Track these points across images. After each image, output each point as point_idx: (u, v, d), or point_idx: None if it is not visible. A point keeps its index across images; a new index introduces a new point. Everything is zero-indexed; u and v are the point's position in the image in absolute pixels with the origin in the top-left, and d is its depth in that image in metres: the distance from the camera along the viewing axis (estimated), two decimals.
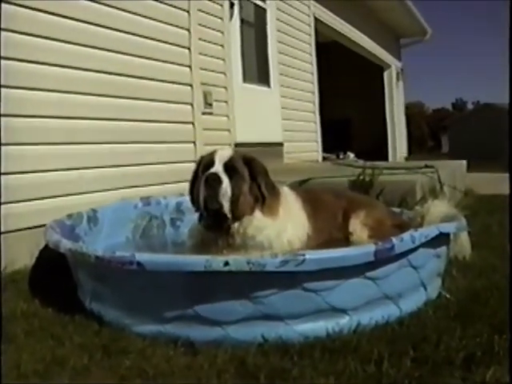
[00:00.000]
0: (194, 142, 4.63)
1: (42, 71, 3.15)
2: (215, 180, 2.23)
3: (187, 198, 2.55)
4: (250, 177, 2.36)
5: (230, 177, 2.28)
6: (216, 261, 1.76)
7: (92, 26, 3.54)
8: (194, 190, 2.41)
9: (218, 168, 2.30)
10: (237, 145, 5.37)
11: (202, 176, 2.30)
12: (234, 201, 2.27)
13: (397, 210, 3.16)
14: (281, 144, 6.66)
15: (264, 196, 2.35)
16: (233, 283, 1.80)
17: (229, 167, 2.31)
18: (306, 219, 2.53)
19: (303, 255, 1.78)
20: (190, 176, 2.51)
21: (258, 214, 2.34)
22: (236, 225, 2.33)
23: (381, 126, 12.36)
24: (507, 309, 1.91)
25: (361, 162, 6.52)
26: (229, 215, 2.28)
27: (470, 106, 56.62)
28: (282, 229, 2.39)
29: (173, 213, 3.29)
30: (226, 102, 5.34)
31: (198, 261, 1.78)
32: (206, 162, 2.39)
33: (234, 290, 1.80)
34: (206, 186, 2.24)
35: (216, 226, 2.34)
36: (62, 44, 3.30)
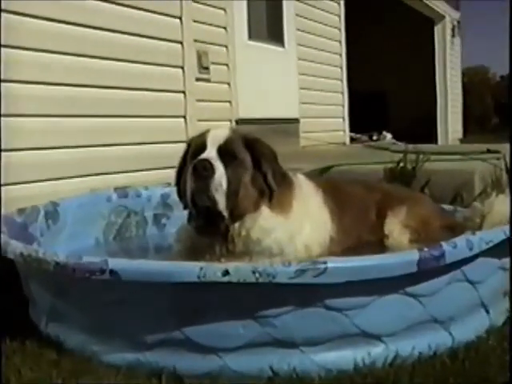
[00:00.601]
0: (185, 117, 4.64)
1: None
2: (206, 168, 2.22)
3: (176, 190, 2.56)
4: (253, 163, 2.36)
5: (226, 164, 2.27)
6: (212, 269, 1.76)
7: None
8: (181, 181, 2.41)
9: (210, 153, 2.29)
10: (240, 121, 5.37)
11: (191, 163, 2.30)
12: (232, 195, 2.27)
13: (448, 207, 3.15)
14: (296, 121, 6.65)
15: (271, 188, 2.35)
16: (234, 298, 1.80)
17: (224, 151, 2.30)
18: (328, 217, 2.53)
19: (324, 263, 1.78)
20: (177, 162, 2.51)
21: (264, 211, 2.34)
22: (236, 226, 2.33)
23: (428, 98, 12.30)
24: None
25: (401, 145, 6.50)
26: (225, 214, 2.27)
27: None
28: (296, 230, 2.39)
29: (157, 207, 3.30)
30: (226, 65, 5.33)
31: (190, 269, 1.79)
32: (195, 146, 2.39)
33: (235, 308, 1.81)
34: (195, 177, 2.23)
35: (210, 227, 2.34)
36: None
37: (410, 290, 1.90)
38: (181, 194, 2.44)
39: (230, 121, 5.30)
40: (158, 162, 4.15)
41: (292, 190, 2.45)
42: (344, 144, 7.75)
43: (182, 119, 4.63)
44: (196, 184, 2.24)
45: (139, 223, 3.25)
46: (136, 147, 4.13)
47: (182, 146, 2.54)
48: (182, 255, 2.50)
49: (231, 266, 1.79)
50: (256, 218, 2.33)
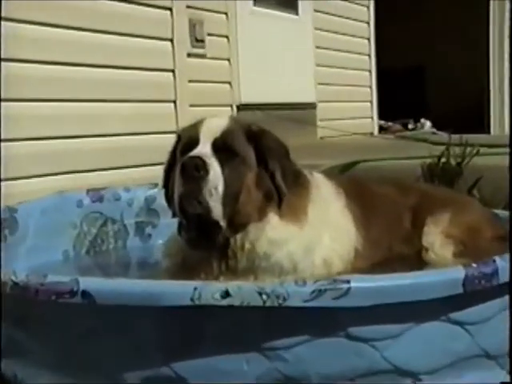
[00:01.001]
0: (175, 102, 4.65)
1: None
2: (197, 168, 2.23)
3: (163, 193, 2.57)
4: (258, 161, 2.37)
5: (224, 162, 2.29)
6: (209, 290, 1.76)
7: None
8: (170, 182, 2.43)
9: (203, 148, 2.30)
10: (242, 107, 5.38)
11: (180, 161, 2.31)
12: (230, 200, 2.27)
13: (503, 212, 3.14)
14: (313, 106, 6.66)
15: (281, 191, 2.35)
16: (235, 326, 1.80)
17: (222, 146, 2.31)
18: (352, 225, 2.54)
19: (347, 282, 1.78)
20: (165, 158, 2.53)
21: (272, 219, 2.35)
22: (238, 238, 2.34)
23: (478, 78, 12.20)
24: None
25: (443, 135, 6.49)
26: (222, 223, 2.28)
27: None
28: (312, 241, 2.40)
29: (140, 214, 3.31)
30: (226, 37, 5.35)
31: (181, 290, 1.79)
32: (186, 139, 2.40)
33: (237, 338, 1.81)
34: (183, 179, 2.24)
35: (204, 240, 2.35)
36: None
37: (454, 316, 1.90)
38: (169, 198, 2.46)
39: (230, 106, 5.32)
40: (141, 157, 4.17)
41: (307, 193, 2.46)
42: (372, 134, 7.75)
43: (171, 104, 4.65)
44: (185, 187, 2.24)
45: (118, 233, 3.25)
46: (114, 139, 4.14)
47: (172, 138, 2.55)
48: (172, 273, 2.51)
49: (232, 285, 1.79)
50: (262, 228, 2.34)
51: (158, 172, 2.59)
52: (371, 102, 7.91)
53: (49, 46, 3.79)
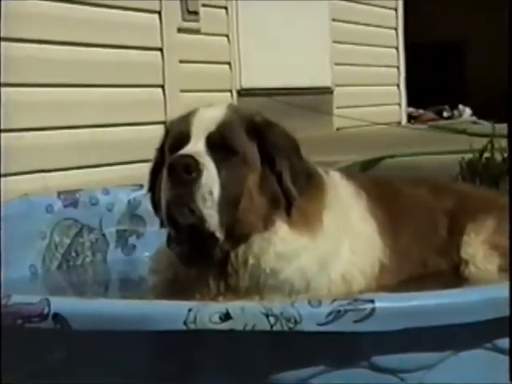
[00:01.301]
0: (163, 86, 4.65)
1: None
2: (188, 169, 2.23)
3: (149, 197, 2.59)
4: (262, 159, 2.38)
5: (220, 161, 2.30)
6: (207, 311, 1.76)
7: None
8: (157, 185, 2.44)
9: (195, 145, 2.32)
10: (243, 92, 5.39)
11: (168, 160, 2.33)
12: (228, 207, 2.29)
13: None
14: (328, 91, 6.67)
15: (290, 194, 2.36)
16: (237, 355, 1.81)
17: (218, 142, 2.33)
18: (376, 234, 2.56)
19: (371, 302, 1.79)
20: (152, 154, 2.55)
21: (280, 228, 2.37)
22: (239, 252, 2.36)
23: None
24: None
25: (485, 125, 6.49)
26: (219, 235, 2.30)
27: None
28: (329, 253, 2.42)
29: (122, 221, 3.32)
30: (224, 8, 5.35)
31: (173, 312, 1.79)
32: (176, 134, 2.42)
33: (239, 369, 1.81)
34: (172, 181, 2.26)
35: (199, 254, 2.36)
36: None
37: (499, 342, 1.91)
38: (156, 204, 2.46)
39: (230, 92, 5.33)
40: (122, 152, 4.18)
41: (322, 196, 2.47)
42: (399, 124, 7.75)
43: (159, 90, 4.65)
44: (174, 192, 2.25)
45: (96, 244, 3.27)
46: (90, 131, 4.15)
47: (160, 129, 2.56)
48: (161, 292, 2.53)
49: (234, 306, 1.79)
50: (269, 240, 2.36)
51: (143, 171, 2.60)
52: (398, 85, 7.91)
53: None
